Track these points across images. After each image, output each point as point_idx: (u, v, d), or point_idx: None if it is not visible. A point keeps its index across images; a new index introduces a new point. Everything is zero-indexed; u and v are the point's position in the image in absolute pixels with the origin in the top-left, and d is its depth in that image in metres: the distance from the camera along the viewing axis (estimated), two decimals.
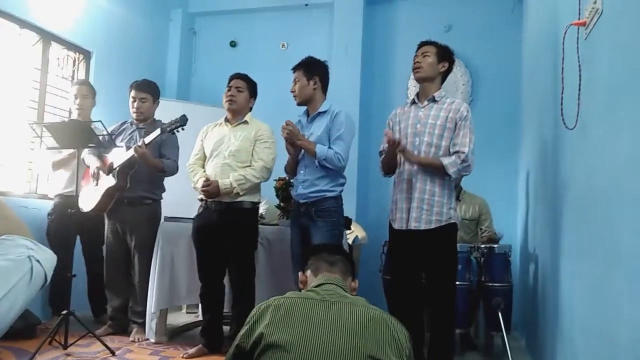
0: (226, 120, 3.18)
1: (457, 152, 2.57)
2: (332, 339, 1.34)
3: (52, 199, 3.64)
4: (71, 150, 3.42)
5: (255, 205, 3.14)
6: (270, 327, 1.38)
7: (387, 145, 2.62)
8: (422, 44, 2.75)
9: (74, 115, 3.70)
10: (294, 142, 2.84)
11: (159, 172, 3.33)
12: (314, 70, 2.92)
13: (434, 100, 2.70)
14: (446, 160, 2.55)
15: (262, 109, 3.48)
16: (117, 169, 3.24)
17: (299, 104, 2.98)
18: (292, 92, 2.95)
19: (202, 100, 4.89)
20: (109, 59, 4.50)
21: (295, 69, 2.95)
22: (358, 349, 1.32)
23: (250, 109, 3.20)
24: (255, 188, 3.09)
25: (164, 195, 3.53)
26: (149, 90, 3.46)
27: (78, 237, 3.52)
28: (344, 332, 1.36)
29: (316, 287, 1.55)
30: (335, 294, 1.49)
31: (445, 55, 2.71)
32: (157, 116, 3.55)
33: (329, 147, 2.81)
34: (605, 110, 1.53)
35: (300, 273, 1.74)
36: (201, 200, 3.10)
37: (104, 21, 4.44)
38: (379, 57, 4.92)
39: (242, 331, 1.45)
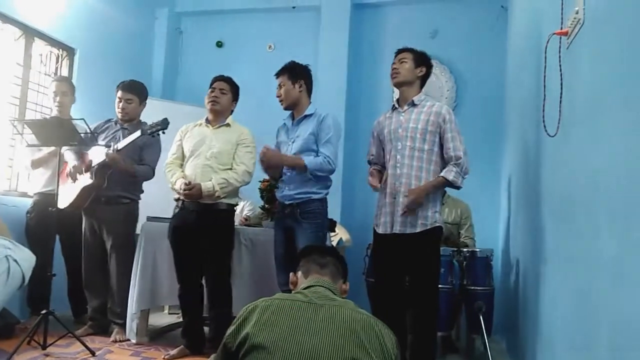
0: (207, 121, 3.16)
1: (451, 157, 2.61)
2: (317, 342, 1.34)
3: (31, 197, 3.59)
4: (51, 149, 3.36)
5: (232, 207, 3.14)
6: (256, 327, 1.38)
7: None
8: (399, 51, 2.79)
9: (54, 113, 3.64)
10: (278, 165, 2.85)
11: (130, 177, 3.31)
12: (298, 74, 2.93)
13: (413, 104, 2.73)
14: (450, 176, 2.58)
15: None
16: (95, 167, 3.20)
17: (285, 108, 2.98)
18: (278, 96, 2.95)
19: (188, 100, 4.86)
20: (93, 57, 4.44)
21: (279, 74, 2.95)
22: (343, 353, 1.32)
23: (232, 112, 3.20)
24: (235, 190, 3.09)
25: (143, 195, 3.49)
26: (135, 91, 3.43)
27: (57, 236, 3.46)
28: (329, 335, 1.36)
29: (305, 289, 1.55)
30: (323, 297, 1.50)
31: (422, 60, 2.76)
32: (142, 115, 3.52)
33: (317, 154, 2.81)
34: (586, 117, 1.56)
35: (291, 274, 1.73)
36: (177, 200, 3.08)
37: (89, 18, 4.38)
38: (366, 61, 4.94)
39: (229, 331, 1.45)
